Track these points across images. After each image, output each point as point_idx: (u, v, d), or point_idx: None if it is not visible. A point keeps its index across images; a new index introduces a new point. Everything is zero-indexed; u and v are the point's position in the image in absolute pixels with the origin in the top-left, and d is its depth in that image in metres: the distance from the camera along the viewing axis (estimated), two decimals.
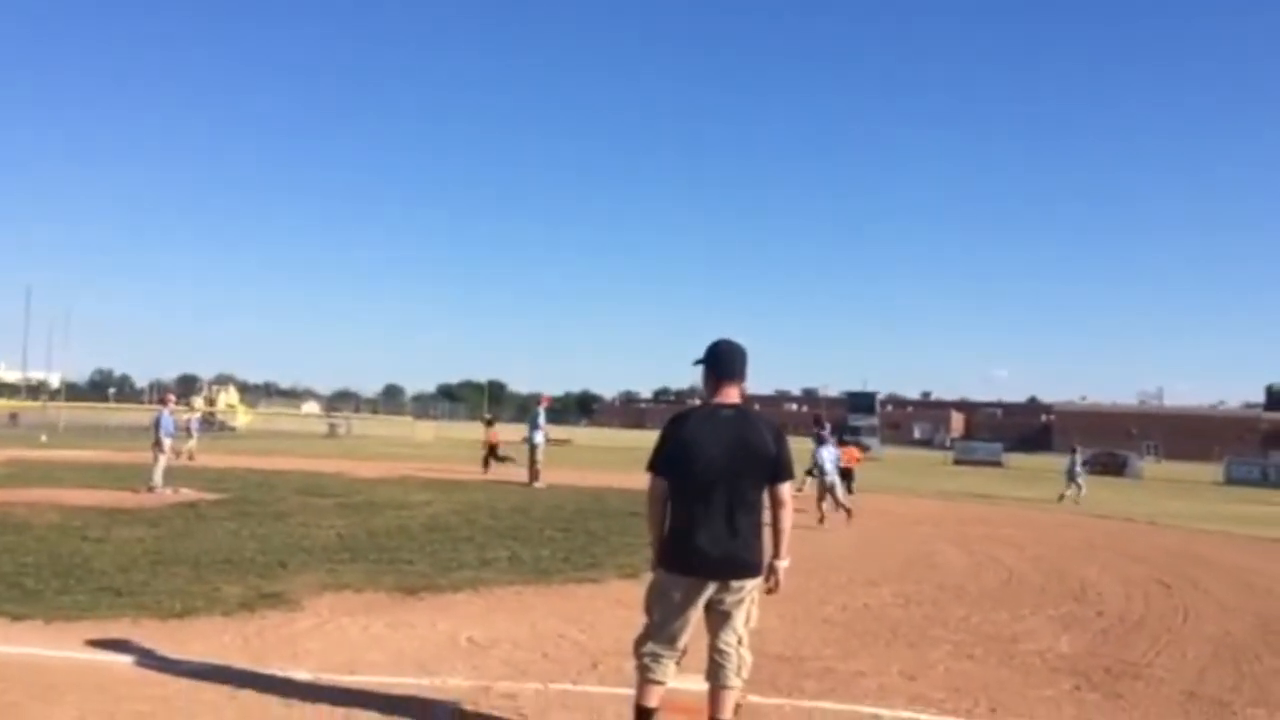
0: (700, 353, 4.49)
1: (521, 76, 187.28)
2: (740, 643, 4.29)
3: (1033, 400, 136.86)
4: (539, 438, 20.03)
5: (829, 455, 15.70)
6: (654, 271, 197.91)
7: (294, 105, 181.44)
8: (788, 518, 4.35)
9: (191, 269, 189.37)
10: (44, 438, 30.96)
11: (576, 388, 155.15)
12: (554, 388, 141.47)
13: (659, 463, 4.33)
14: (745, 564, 4.24)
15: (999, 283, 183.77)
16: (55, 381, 52.20)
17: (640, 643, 4.33)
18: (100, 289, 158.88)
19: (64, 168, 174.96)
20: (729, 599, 4.23)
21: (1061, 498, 23.48)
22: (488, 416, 27.03)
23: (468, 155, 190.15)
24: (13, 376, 53.58)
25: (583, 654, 6.19)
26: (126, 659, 5.61)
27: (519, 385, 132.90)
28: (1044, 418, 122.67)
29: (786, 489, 4.35)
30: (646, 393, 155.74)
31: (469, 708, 4.96)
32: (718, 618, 4.27)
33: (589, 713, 4.95)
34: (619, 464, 29.57)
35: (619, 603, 7.81)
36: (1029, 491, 27.61)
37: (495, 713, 4.90)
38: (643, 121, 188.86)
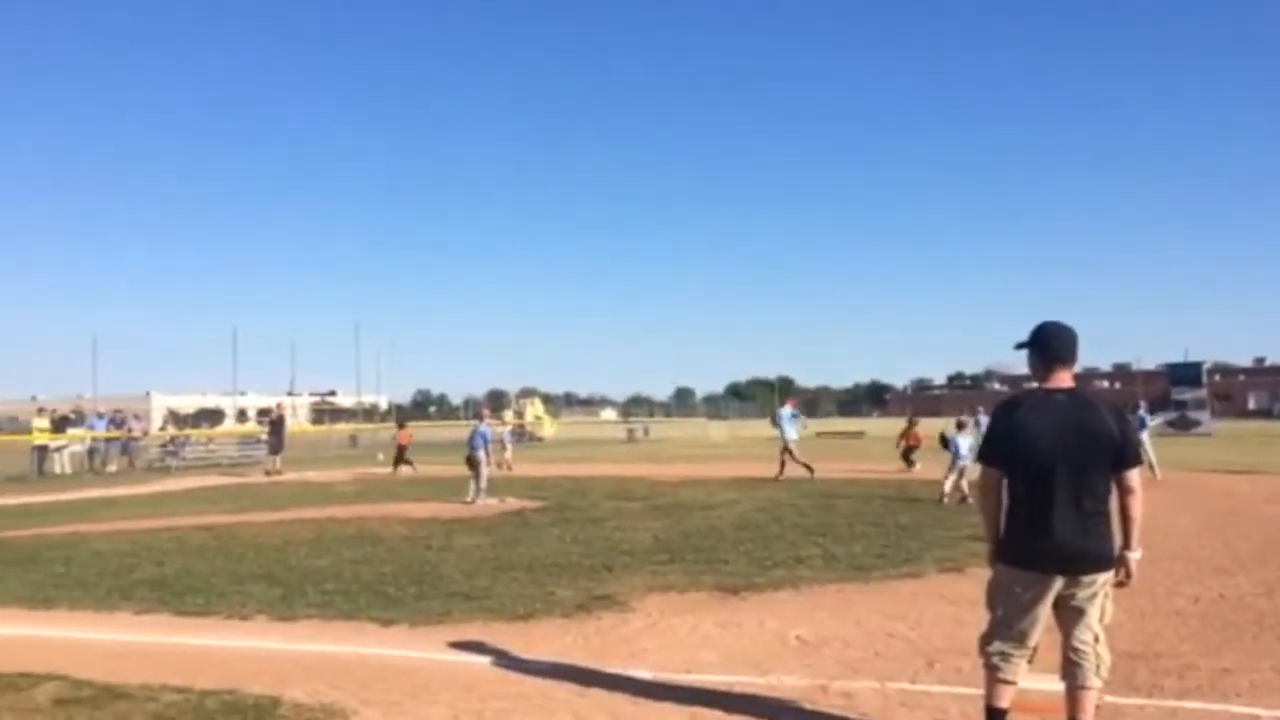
0: (1012, 335, 4.29)
1: (790, 65, 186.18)
2: (1097, 640, 4.05)
3: None
4: (792, 433, 20.80)
5: (965, 443, 15.05)
6: (938, 254, 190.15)
7: (570, 117, 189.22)
8: (1137, 505, 4.07)
9: (487, 287, 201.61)
10: (380, 456, 34.03)
11: (865, 378, 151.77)
12: (843, 379, 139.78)
13: (991, 453, 4.20)
14: (1096, 557, 4.01)
15: None
16: (384, 404, 57.19)
17: (986, 640, 4.18)
18: (413, 314, 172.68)
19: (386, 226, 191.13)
20: (1080, 594, 4.01)
21: None
22: (401, 418, 28.98)
23: (745, 154, 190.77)
24: (348, 402, 59.28)
25: (916, 652, 6.06)
26: (483, 659, 6.07)
27: (806, 379, 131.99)
28: None
29: (1134, 474, 4.08)
30: (940, 379, 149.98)
31: (808, 707, 4.98)
32: (1070, 614, 4.05)
33: (932, 712, 4.83)
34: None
35: (943, 599, 7.60)
36: None
37: (835, 712, 4.89)
38: (936, 98, 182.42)
